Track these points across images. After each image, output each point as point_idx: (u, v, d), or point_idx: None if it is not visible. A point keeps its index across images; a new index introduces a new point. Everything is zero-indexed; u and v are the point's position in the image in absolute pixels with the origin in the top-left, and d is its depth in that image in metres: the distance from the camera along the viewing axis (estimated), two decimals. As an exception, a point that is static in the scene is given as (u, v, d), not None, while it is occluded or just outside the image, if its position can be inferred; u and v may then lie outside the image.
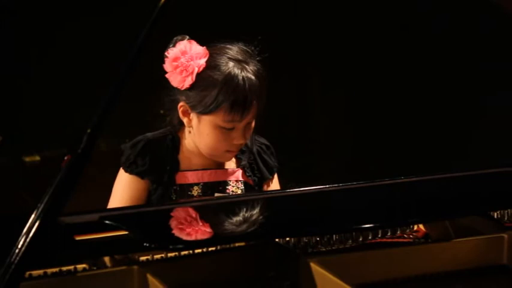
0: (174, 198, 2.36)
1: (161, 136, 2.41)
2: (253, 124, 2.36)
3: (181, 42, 2.30)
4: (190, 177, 2.38)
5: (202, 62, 2.28)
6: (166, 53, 2.30)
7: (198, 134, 2.34)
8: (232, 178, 2.43)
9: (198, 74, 2.28)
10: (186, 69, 2.28)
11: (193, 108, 2.31)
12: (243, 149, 2.45)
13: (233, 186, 2.42)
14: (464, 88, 4.09)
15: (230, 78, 2.26)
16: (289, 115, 4.10)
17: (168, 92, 2.36)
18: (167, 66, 2.30)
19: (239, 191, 2.42)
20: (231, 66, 2.27)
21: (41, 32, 3.53)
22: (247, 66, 2.28)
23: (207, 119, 2.31)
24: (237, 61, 2.28)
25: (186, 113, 2.34)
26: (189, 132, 2.37)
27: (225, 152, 2.35)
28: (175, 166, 2.39)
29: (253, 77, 2.28)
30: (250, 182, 2.45)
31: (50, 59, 3.58)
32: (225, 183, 2.42)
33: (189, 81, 2.29)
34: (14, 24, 3.49)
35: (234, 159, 2.45)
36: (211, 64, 2.29)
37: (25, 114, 3.63)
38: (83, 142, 1.60)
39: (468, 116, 4.13)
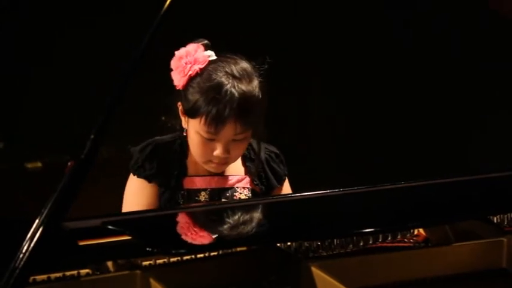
0: (181, 203, 2.37)
1: (170, 141, 2.43)
2: (244, 142, 2.35)
3: (192, 44, 2.34)
4: (198, 182, 2.40)
5: (197, 67, 2.31)
6: (176, 51, 2.34)
7: (188, 136, 2.37)
8: (240, 185, 2.44)
9: (192, 78, 2.31)
10: (183, 70, 2.32)
11: (183, 109, 2.34)
12: (252, 157, 2.46)
13: (240, 193, 2.43)
14: (464, 90, 4.10)
15: (213, 88, 2.27)
16: (288, 117, 4.10)
17: (175, 92, 2.38)
18: (172, 63, 2.35)
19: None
20: (221, 78, 2.28)
21: (41, 36, 3.53)
22: (238, 84, 2.28)
23: (191, 122, 2.33)
24: (231, 76, 2.29)
25: (183, 113, 2.37)
26: (185, 133, 2.39)
27: (208, 161, 2.35)
28: (183, 171, 2.41)
29: (236, 94, 2.26)
30: (258, 189, 2.47)
31: (51, 63, 3.58)
32: (233, 190, 2.43)
33: (183, 82, 2.32)
34: (15, 26, 3.50)
35: (242, 167, 2.47)
36: (208, 72, 2.31)
37: (27, 119, 3.64)
38: (86, 148, 1.62)
39: (469, 119, 4.13)
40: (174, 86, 2.36)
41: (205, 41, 2.35)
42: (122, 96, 1.70)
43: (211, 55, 2.34)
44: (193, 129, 2.33)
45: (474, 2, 4.02)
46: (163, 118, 2.47)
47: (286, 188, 2.53)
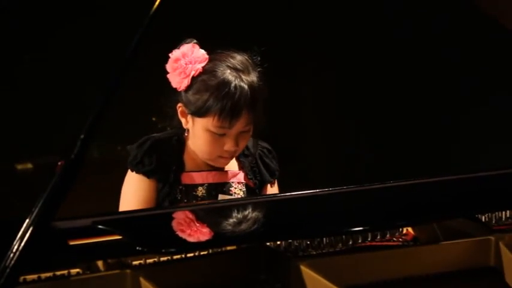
0: (179, 197, 2.40)
1: (167, 137, 2.46)
2: (249, 133, 2.40)
3: (186, 45, 2.36)
4: (196, 177, 2.43)
5: (199, 66, 2.34)
6: (170, 54, 2.36)
7: (193, 135, 2.40)
8: (235, 180, 2.48)
9: (194, 78, 2.34)
10: (184, 72, 2.34)
11: (187, 109, 2.36)
12: (246, 152, 2.50)
13: (235, 188, 2.47)
14: (458, 91, 4.11)
15: (222, 84, 2.31)
16: (282, 118, 4.11)
17: (170, 93, 2.40)
18: (168, 66, 2.37)
19: (241, 193, 2.47)
20: (226, 74, 2.32)
21: (32, 38, 3.53)
22: (243, 76, 2.33)
23: (199, 121, 2.36)
24: (235, 70, 2.33)
25: (183, 114, 2.40)
26: (187, 133, 2.41)
27: (217, 157, 2.39)
28: (180, 166, 2.43)
29: (246, 87, 2.32)
30: (251, 184, 2.50)
31: (41, 65, 3.59)
32: (229, 185, 2.46)
33: (185, 83, 2.35)
34: (6, 28, 3.50)
35: (236, 162, 2.50)
36: (209, 69, 2.34)
37: (17, 120, 3.63)
38: (76, 147, 1.62)
39: (462, 120, 4.15)
40: (171, 88, 2.38)
41: (194, 40, 2.37)
42: (111, 96, 1.70)
43: (204, 53, 2.37)
44: (203, 127, 2.35)
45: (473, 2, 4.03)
46: (154, 119, 2.49)
47: (275, 189, 2.56)
